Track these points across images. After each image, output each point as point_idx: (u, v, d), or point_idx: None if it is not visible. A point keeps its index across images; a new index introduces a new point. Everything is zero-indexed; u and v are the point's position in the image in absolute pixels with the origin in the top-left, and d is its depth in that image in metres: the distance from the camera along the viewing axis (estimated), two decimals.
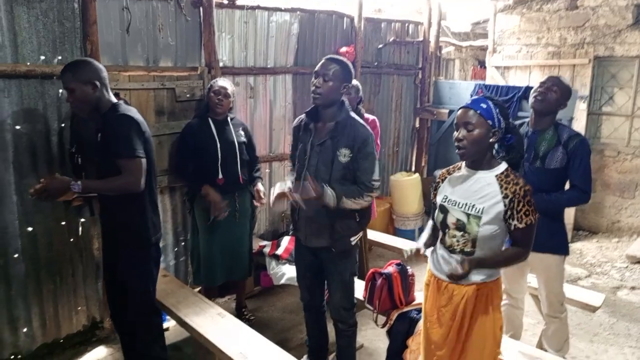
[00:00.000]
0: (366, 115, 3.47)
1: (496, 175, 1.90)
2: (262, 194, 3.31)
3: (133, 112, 2.34)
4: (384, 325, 2.78)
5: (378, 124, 3.54)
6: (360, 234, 2.61)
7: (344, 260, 2.56)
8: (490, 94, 5.06)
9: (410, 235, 5.00)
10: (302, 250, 2.66)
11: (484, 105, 1.88)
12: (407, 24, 5.41)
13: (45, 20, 2.75)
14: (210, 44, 3.50)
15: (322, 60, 2.38)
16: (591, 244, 5.63)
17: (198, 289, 3.62)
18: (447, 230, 1.99)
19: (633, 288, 4.36)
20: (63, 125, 2.91)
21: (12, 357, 2.91)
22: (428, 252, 2.19)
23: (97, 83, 2.26)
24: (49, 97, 2.85)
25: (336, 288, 2.59)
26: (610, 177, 5.78)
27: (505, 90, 4.97)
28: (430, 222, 2.23)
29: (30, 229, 2.87)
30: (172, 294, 2.95)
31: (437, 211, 2.04)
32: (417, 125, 5.78)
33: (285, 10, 4.04)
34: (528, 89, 4.81)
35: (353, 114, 2.47)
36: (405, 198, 5.05)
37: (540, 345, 2.92)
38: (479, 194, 1.90)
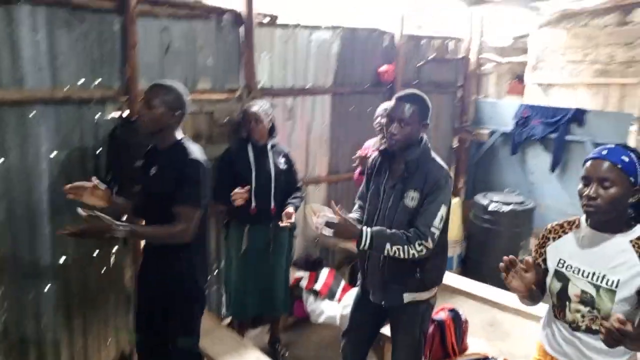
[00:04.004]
0: None
1: (631, 241, 1.59)
2: (289, 216, 2.98)
3: (200, 153, 2.19)
4: None
5: None
6: (424, 295, 2.29)
7: (412, 317, 2.30)
8: (535, 115, 4.81)
9: (449, 263, 4.77)
10: (365, 301, 2.41)
11: (625, 159, 1.56)
12: (447, 41, 5.20)
13: (85, 42, 2.63)
14: (250, 64, 3.35)
15: (394, 102, 2.15)
16: None
17: (229, 319, 3.47)
18: (567, 302, 1.68)
19: None
20: (99, 151, 2.79)
21: None
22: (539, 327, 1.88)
23: (178, 114, 2.15)
24: (86, 122, 2.72)
25: (401, 347, 2.34)
26: None
27: (552, 112, 4.72)
28: None
29: (62, 260, 2.75)
30: (209, 332, 2.79)
31: (552, 278, 1.73)
32: (456, 145, 5.55)
33: (326, 28, 3.88)
34: (578, 111, 4.56)
35: (434, 154, 2.22)
36: None
37: None
38: (611, 262, 1.59)
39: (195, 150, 2.17)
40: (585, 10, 5.76)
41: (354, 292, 2.69)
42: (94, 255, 2.88)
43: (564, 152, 4.61)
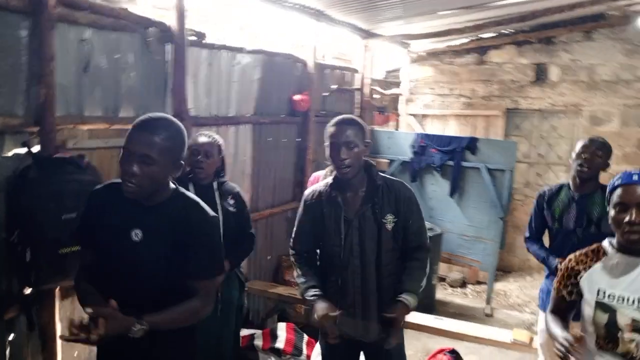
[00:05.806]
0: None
1: None
2: None
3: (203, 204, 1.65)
4: None
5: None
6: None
7: (398, 353, 2.16)
8: (432, 144, 5.08)
9: None
10: (342, 347, 2.14)
11: None
12: (344, 72, 5.23)
13: None
14: (181, 88, 2.81)
15: (335, 127, 1.99)
16: (510, 283, 5.93)
17: None
18: (619, 333, 1.62)
19: None
20: None
21: None
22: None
23: (182, 164, 1.53)
24: None
25: None
26: (519, 219, 6.20)
27: (448, 140, 5.03)
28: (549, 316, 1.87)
29: None
30: None
31: (594, 310, 1.66)
32: None
33: (249, 52, 3.52)
34: (471, 139, 4.93)
35: (383, 174, 2.14)
36: None
37: None
38: None
39: (204, 204, 1.63)
40: (450, 49, 6.41)
41: (319, 345, 2.40)
42: None
43: (461, 177, 4.93)
